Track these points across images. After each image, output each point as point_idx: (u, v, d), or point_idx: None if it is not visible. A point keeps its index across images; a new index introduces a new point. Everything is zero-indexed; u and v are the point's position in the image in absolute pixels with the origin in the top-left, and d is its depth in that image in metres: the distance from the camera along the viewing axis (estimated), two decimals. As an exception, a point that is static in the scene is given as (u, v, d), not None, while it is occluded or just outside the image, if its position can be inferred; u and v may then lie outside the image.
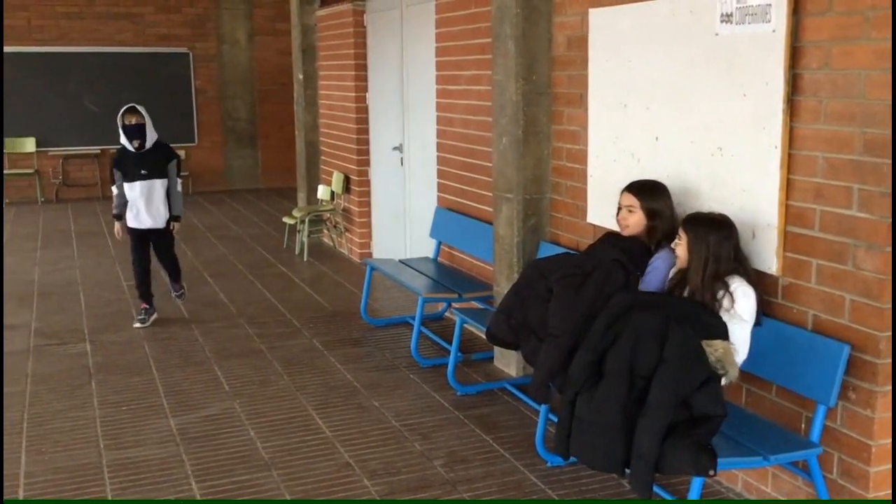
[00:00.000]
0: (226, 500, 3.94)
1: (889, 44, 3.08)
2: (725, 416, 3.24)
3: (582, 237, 4.98)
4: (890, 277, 3.17)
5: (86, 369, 5.66)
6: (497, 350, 5.61)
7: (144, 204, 6.45)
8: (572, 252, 4.66)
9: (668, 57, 4.14)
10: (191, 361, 5.81)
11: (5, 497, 3.80)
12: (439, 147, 6.72)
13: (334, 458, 4.33)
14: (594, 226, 4.85)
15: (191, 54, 14.03)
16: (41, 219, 11.67)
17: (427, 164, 7.12)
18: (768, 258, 3.65)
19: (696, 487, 3.27)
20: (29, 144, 13.26)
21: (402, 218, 7.94)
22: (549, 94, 5.18)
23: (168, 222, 6.60)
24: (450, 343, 5.47)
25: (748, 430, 3.54)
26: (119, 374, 5.54)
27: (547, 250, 5.16)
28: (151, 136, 6.45)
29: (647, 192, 4.04)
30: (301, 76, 9.84)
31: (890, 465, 3.32)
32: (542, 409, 4.28)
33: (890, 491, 3.32)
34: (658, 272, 3.89)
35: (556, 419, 3.72)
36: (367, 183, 8.75)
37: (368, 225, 8.81)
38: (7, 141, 13.14)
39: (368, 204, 8.77)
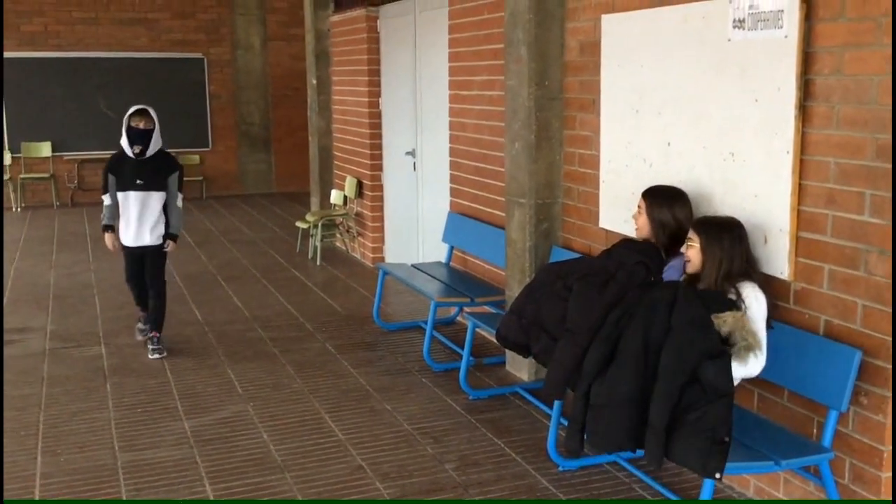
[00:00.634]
0: (238, 500, 3.97)
1: (901, 50, 3.09)
2: (733, 395, 3.24)
3: (594, 242, 5.00)
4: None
5: (101, 372, 5.70)
6: (509, 354, 5.62)
7: (136, 218, 5.85)
8: (586, 257, 4.68)
9: (680, 63, 4.15)
10: (204, 364, 5.86)
11: (5, 497, 3.83)
12: (452, 152, 6.74)
13: (347, 461, 4.35)
14: (606, 231, 4.86)
15: (205, 59, 14.13)
16: (56, 223, 11.76)
17: (440, 169, 7.15)
18: (780, 263, 3.65)
19: (706, 490, 3.28)
20: (45, 149, 13.38)
21: (415, 223, 7.97)
22: (562, 100, 5.20)
23: (163, 240, 5.99)
24: (462, 347, 5.49)
25: (760, 434, 3.55)
26: (134, 377, 5.58)
27: (559, 255, 5.18)
28: (156, 144, 5.87)
29: (656, 198, 4.07)
30: (315, 81, 9.89)
31: (902, 471, 3.32)
32: (554, 413, 4.30)
33: (891, 494, 3.32)
34: (672, 277, 3.90)
35: (567, 423, 3.73)
36: (380, 188, 8.78)
37: (381, 229, 8.84)
38: (23, 145, 13.27)
39: (381, 209, 8.81)
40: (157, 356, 5.93)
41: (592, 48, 4.87)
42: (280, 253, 9.61)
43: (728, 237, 3.62)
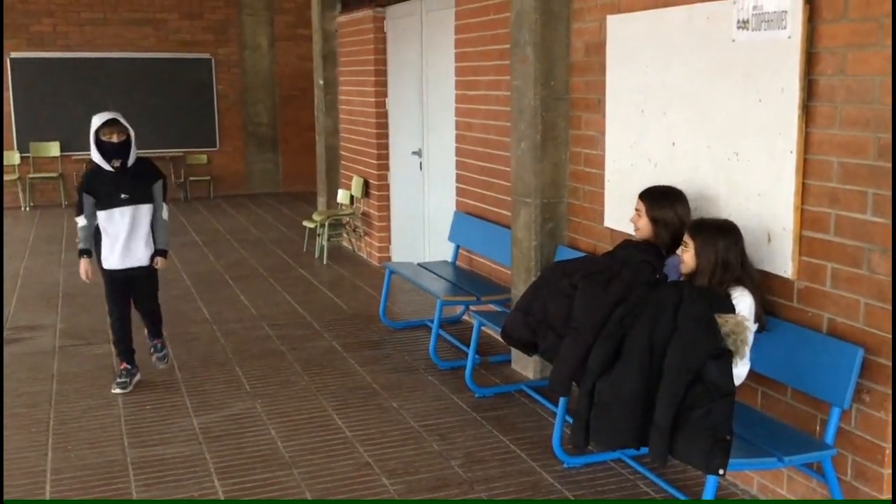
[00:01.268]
0: (240, 500, 4.01)
1: (903, 50, 3.12)
2: (735, 394, 3.28)
3: (599, 241, 5.03)
4: (904, 281, 3.21)
5: (110, 369, 5.75)
6: (514, 353, 5.66)
7: (126, 237, 5.20)
8: (591, 256, 4.72)
9: (684, 63, 4.18)
10: (213, 362, 5.90)
11: (5, 497, 3.86)
12: (458, 152, 6.78)
13: (354, 458, 4.39)
14: (611, 230, 4.90)
15: (213, 60, 14.19)
16: (65, 222, 11.82)
17: (446, 168, 7.19)
18: (784, 262, 3.68)
19: (710, 487, 3.31)
20: (53, 149, 13.46)
21: (421, 222, 8.01)
22: (567, 100, 5.23)
23: (152, 258, 5.34)
24: (467, 346, 5.53)
25: (763, 431, 3.58)
26: (143, 374, 5.63)
27: (564, 254, 5.21)
28: (134, 152, 5.25)
29: (656, 198, 4.10)
30: (322, 81, 9.94)
31: (904, 468, 3.35)
32: (559, 410, 4.33)
33: (891, 495, 3.35)
34: (674, 274, 3.93)
35: (572, 420, 3.77)
36: (387, 187, 8.82)
37: (388, 229, 8.89)
38: (32, 145, 13.35)
39: (388, 208, 8.85)
40: (162, 365, 5.64)
41: (598, 48, 4.91)
42: (287, 252, 9.67)
43: (723, 241, 3.65)
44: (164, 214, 5.38)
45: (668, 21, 4.28)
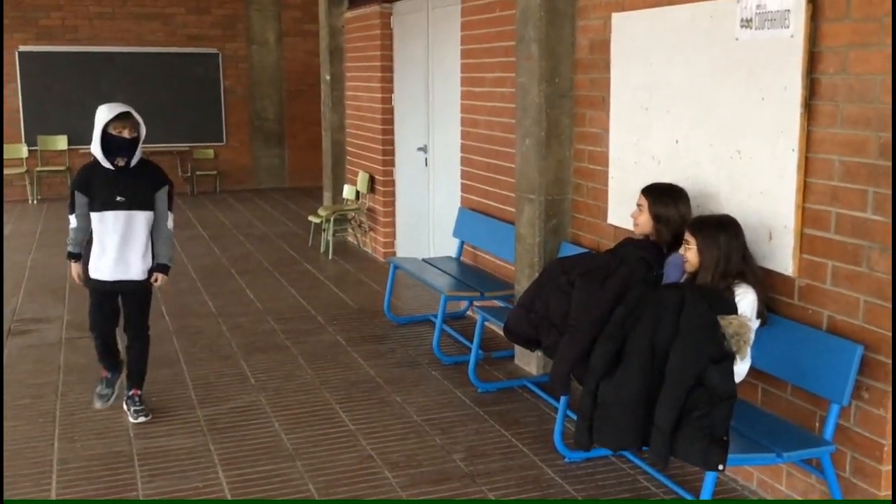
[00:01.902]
0: (243, 500, 4.05)
1: (905, 50, 3.14)
2: (736, 398, 3.30)
3: (602, 238, 5.05)
4: (903, 279, 3.23)
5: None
6: (517, 348, 5.69)
7: (117, 245, 4.59)
8: (594, 252, 4.75)
9: (688, 61, 4.21)
10: (218, 355, 5.95)
11: (5, 497, 3.90)
12: (463, 148, 6.81)
13: (356, 451, 4.43)
14: (615, 227, 4.92)
15: (220, 55, 14.24)
16: (72, 215, 11.90)
17: (451, 164, 7.22)
18: (785, 260, 3.71)
19: (708, 482, 3.35)
20: (61, 142, 13.52)
21: (426, 218, 8.04)
22: (572, 97, 5.26)
23: (149, 273, 4.73)
24: (471, 341, 5.56)
25: (763, 428, 3.61)
26: (149, 366, 5.66)
27: (568, 251, 5.24)
28: (139, 152, 4.65)
29: (659, 195, 4.12)
30: (328, 77, 9.97)
31: (902, 465, 3.37)
32: (561, 405, 4.36)
33: (890, 492, 3.38)
34: (673, 273, 3.95)
35: (574, 416, 3.80)
36: (392, 183, 8.86)
37: (393, 224, 8.92)
38: (39, 138, 13.42)
39: (393, 203, 8.89)
40: (142, 419, 4.76)
41: (602, 46, 4.93)
42: (293, 247, 9.71)
43: (724, 236, 3.67)
44: (170, 225, 4.76)
45: (673, 19, 4.30)
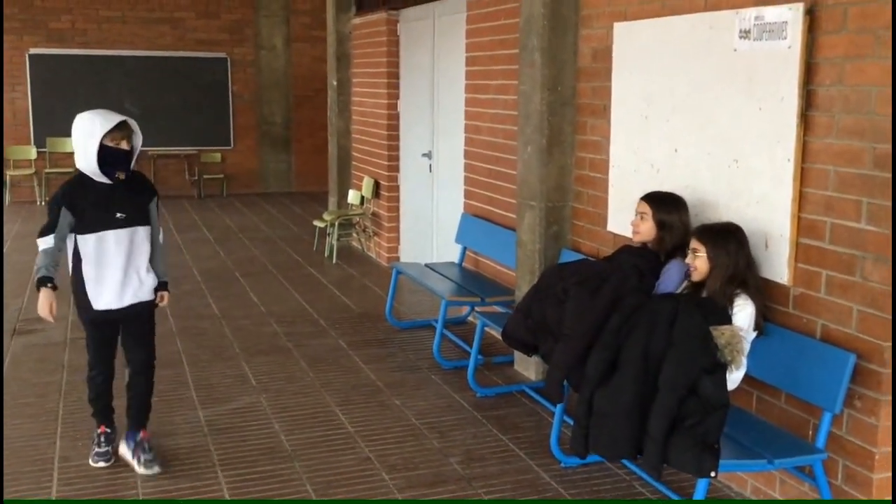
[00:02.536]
0: (247, 500, 4.09)
1: (900, 62, 3.18)
2: (728, 407, 3.34)
3: (602, 245, 5.09)
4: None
5: (119, 361, 5.84)
6: (517, 354, 5.72)
7: (122, 266, 4.12)
8: (592, 259, 4.79)
9: (688, 71, 4.25)
10: (220, 357, 6.00)
11: (6, 497, 3.93)
12: (467, 154, 6.86)
13: (355, 453, 4.47)
14: (614, 234, 4.96)
15: (229, 59, 14.33)
16: (80, 217, 11.98)
17: (455, 171, 7.27)
18: (780, 268, 3.74)
19: (700, 489, 3.37)
20: (70, 144, 13.55)
21: (430, 223, 8.09)
22: (574, 105, 5.30)
23: (154, 292, 4.29)
24: (471, 346, 5.60)
25: (756, 435, 3.64)
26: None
27: (568, 257, 5.28)
28: (133, 163, 4.20)
29: (662, 203, 4.15)
30: (335, 82, 10.04)
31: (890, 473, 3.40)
32: (557, 410, 4.40)
33: (890, 495, 3.40)
34: (671, 280, 3.99)
35: (571, 421, 3.84)
36: (397, 188, 8.91)
37: (397, 230, 8.97)
38: (48, 140, 13.52)
39: (397, 209, 8.94)
40: (156, 469, 4.23)
41: (605, 55, 4.97)
42: (297, 251, 9.77)
43: (733, 242, 3.72)
44: (161, 239, 4.37)
45: (673, 29, 4.35)
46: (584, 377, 3.66)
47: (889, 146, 3.24)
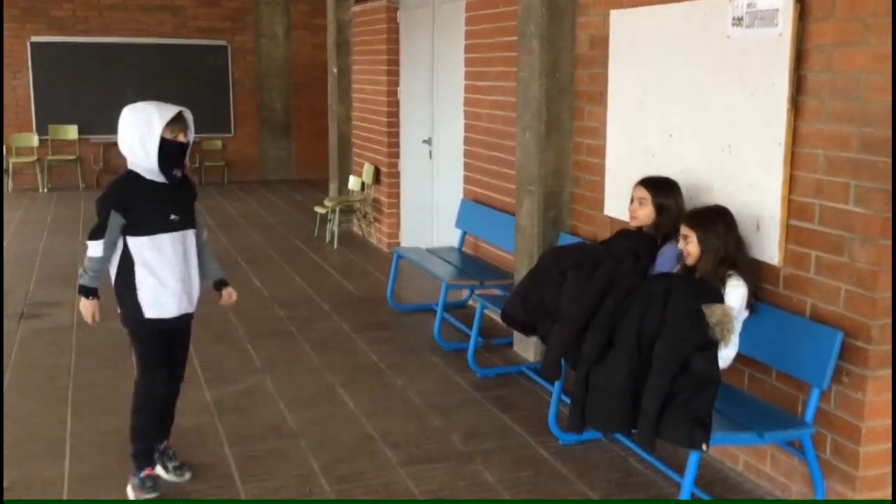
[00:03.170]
0: (256, 500, 4.21)
1: (887, 49, 3.28)
2: (720, 383, 3.46)
3: (599, 229, 5.20)
4: (882, 268, 3.37)
5: (127, 343, 5.94)
6: (516, 335, 5.84)
7: (180, 272, 3.87)
8: (589, 242, 4.90)
9: (682, 57, 4.35)
10: (225, 340, 6.11)
11: (5, 497, 4.00)
12: (466, 141, 6.96)
13: (358, 430, 4.59)
14: (611, 218, 5.07)
15: (229, 47, 14.41)
16: (82, 203, 12.08)
17: (454, 157, 7.37)
18: (771, 249, 3.85)
19: (692, 462, 3.49)
20: (71, 132, 13.71)
21: (430, 208, 8.19)
22: (572, 92, 5.40)
23: (218, 291, 4.26)
24: (471, 328, 5.72)
25: (748, 410, 3.76)
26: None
27: (566, 241, 5.38)
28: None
29: (659, 187, 4.25)
30: (335, 70, 10.12)
31: (881, 446, 3.52)
32: (555, 389, 4.52)
33: (889, 491, 3.53)
34: (666, 264, 4.10)
35: (568, 400, 3.96)
36: (397, 174, 9.01)
37: (397, 215, 9.08)
38: (50, 128, 13.61)
39: (398, 195, 9.04)
40: (187, 475, 4.07)
41: (602, 42, 5.07)
42: (299, 237, 9.88)
43: (722, 224, 3.82)
44: (205, 236, 4.14)
45: (668, 17, 4.44)
46: (580, 357, 3.79)
47: (878, 130, 3.35)
